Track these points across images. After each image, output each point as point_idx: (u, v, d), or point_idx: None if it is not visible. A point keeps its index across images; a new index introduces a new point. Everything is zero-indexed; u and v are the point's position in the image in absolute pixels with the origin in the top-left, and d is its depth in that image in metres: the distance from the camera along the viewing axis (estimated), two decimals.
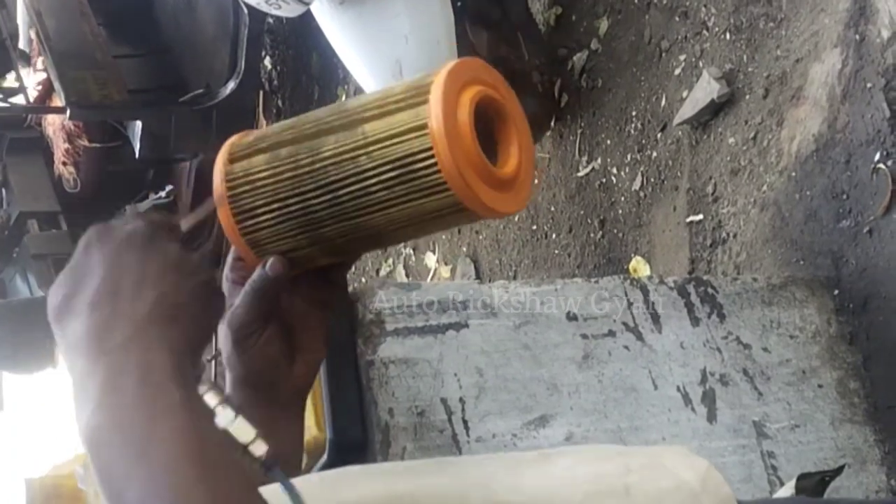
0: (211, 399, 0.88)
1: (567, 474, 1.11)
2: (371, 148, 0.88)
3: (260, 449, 0.86)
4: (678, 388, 2.15)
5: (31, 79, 5.53)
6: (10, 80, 5.82)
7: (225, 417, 0.87)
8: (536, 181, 3.78)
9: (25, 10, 4.94)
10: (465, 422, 1.98)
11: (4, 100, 6.07)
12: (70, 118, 4.78)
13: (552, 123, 3.67)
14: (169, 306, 0.84)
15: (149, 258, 0.86)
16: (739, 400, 2.19)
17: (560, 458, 1.09)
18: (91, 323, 0.82)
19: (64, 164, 5.57)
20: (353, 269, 4.20)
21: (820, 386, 2.27)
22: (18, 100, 5.84)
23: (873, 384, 2.30)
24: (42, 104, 5.43)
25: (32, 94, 5.47)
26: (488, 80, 0.95)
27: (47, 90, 5.35)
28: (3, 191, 5.87)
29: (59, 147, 5.54)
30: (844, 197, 2.43)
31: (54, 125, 5.59)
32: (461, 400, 1.99)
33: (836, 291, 2.41)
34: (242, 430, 0.87)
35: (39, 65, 5.45)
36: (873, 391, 2.30)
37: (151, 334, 0.83)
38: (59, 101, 4.74)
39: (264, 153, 0.94)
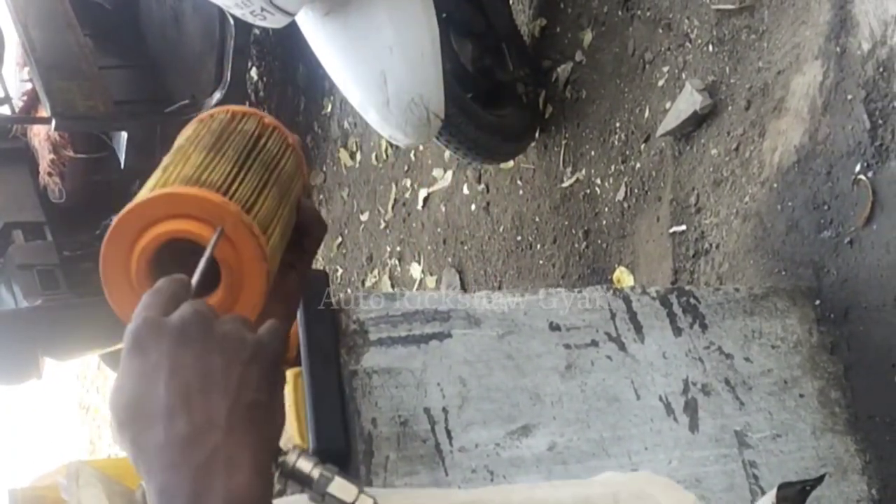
0: (305, 465, 0.88)
1: (552, 494, 1.13)
2: None
3: (367, 503, 0.87)
4: (660, 398, 2.16)
5: (17, 89, 5.52)
6: None
7: (324, 480, 0.87)
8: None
9: (11, 20, 4.93)
10: (448, 431, 1.98)
11: None
12: (56, 129, 4.76)
13: (536, 134, 3.69)
14: (246, 405, 0.83)
15: (210, 351, 0.83)
16: (721, 410, 2.19)
17: (545, 484, 1.11)
18: (172, 434, 0.80)
19: (49, 174, 5.56)
20: (338, 280, 4.20)
21: (801, 396, 2.28)
22: (4, 110, 5.82)
23: (854, 394, 2.31)
24: (27, 114, 5.41)
25: (18, 104, 5.46)
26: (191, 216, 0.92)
27: (33, 100, 5.34)
28: None
29: (45, 157, 5.53)
30: (825, 208, 2.44)
31: (40, 136, 5.57)
32: (444, 410, 1.99)
33: (818, 302, 2.43)
34: (345, 489, 0.87)
35: (25, 75, 5.45)
36: (854, 401, 2.31)
37: (236, 440, 0.81)
38: (44, 111, 4.72)
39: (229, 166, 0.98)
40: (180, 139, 1.04)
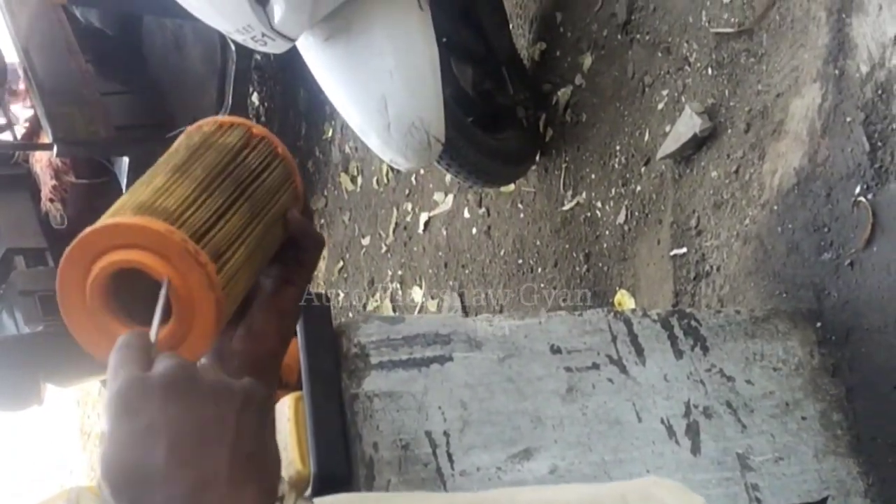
0: None
1: (559, 495, 1.13)
2: None
3: None
4: (662, 421, 2.15)
5: (19, 115, 5.54)
6: None
7: None
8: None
9: (13, 45, 4.96)
10: (449, 455, 1.98)
11: None
12: (57, 155, 4.78)
13: (537, 158, 3.70)
14: (244, 456, 0.82)
15: (201, 403, 0.82)
16: (723, 432, 2.19)
17: (551, 486, 1.12)
18: (173, 495, 0.79)
19: (51, 200, 5.57)
20: (339, 304, 4.20)
21: (803, 418, 2.27)
22: (6, 136, 5.84)
23: (856, 416, 2.31)
24: (29, 140, 5.43)
25: (20, 130, 5.47)
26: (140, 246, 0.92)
27: (34, 127, 5.36)
28: None
29: (46, 183, 5.54)
30: (826, 230, 2.45)
31: (41, 162, 5.59)
32: (445, 433, 1.99)
33: (819, 324, 2.42)
34: None
35: (27, 102, 5.47)
36: (856, 423, 2.31)
37: (236, 494, 0.80)
38: (46, 137, 4.74)
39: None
40: (165, 155, 1.05)
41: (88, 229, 0.90)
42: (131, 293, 0.93)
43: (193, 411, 0.81)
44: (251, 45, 2.74)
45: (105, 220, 0.91)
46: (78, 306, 0.92)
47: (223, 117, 1.09)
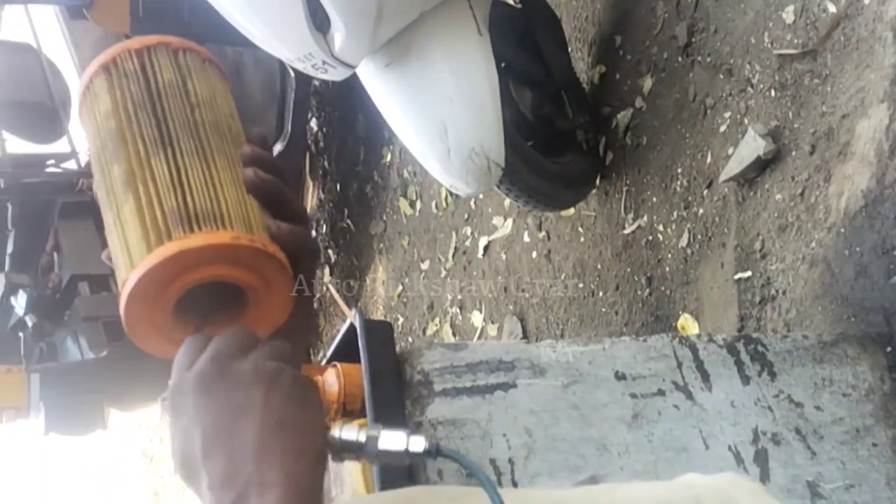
0: (350, 434, 0.92)
1: (635, 495, 1.11)
2: None
3: (419, 444, 0.91)
4: (730, 448, 2.12)
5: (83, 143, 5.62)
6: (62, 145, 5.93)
7: (372, 441, 0.91)
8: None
9: (78, 77, 5.03)
10: (514, 483, 1.96)
11: (57, 165, 6.18)
12: None
13: (597, 181, 3.68)
14: (274, 425, 0.86)
15: (230, 389, 0.87)
16: (792, 459, 2.15)
17: (625, 485, 1.11)
18: (212, 479, 0.85)
19: None
20: (399, 328, 4.20)
21: (875, 445, 2.23)
22: (70, 165, 5.93)
23: None
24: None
25: (84, 158, 5.55)
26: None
27: None
28: (55, 254, 5.95)
29: None
30: (895, 253, 2.40)
31: None
32: (510, 461, 1.98)
33: (889, 348, 2.38)
34: (394, 439, 0.91)
35: None
36: None
37: (267, 462, 0.84)
38: None
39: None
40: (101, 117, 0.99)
41: (161, 257, 0.89)
42: (193, 304, 0.96)
43: (222, 400, 0.87)
44: (311, 72, 2.76)
45: (169, 248, 0.90)
46: (147, 320, 0.94)
47: (125, 47, 1.02)
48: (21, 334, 6.15)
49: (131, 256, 0.90)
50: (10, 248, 6.13)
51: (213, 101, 1.01)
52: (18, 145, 6.04)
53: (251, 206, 0.95)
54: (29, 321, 5.84)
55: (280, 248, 0.94)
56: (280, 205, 0.98)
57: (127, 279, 0.90)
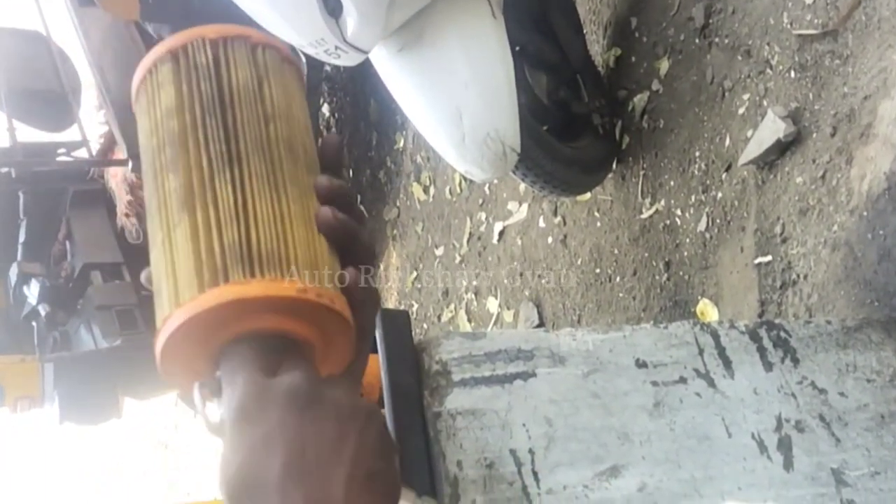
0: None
1: None
2: None
3: None
4: (753, 436, 2.09)
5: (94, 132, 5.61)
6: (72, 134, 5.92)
7: None
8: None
9: (87, 63, 5.01)
10: (535, 473, 1.93)
11: (68, 153, 6.17)
12: (132, 170, 4.83)
13: (614, 165, 3.64)
14: (364, 476, 0.78)
15: (323, 419, 0.78)
16: (816, 447, 2.12)
17: None
18: None
19: (126, 215, 5.64)
20: (414, 315, 4.19)
21: None
22: (81, 153, 5.92)
23: None
24: (104, 157, 5.50)
25: (95, 147, 5.54)
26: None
27: (110, 143, 5.42)
28: (67, 243, 5.96)
29: (122, 199, 5.61)
30: None
31: (117, 177, 5.66)
32: (531, 451, 1.95)
33: None
34: None
35: (101, 118, 5.53)
36: None
37: None
38: (121, 153, 4.79)
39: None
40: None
41: (214, 302, 0.78)
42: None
43: (314, 427, 0.77)
44: (324, 57, 2.72)
45: (225, 294, 0.78)
46: (183, 361, 0.83)
47: (196, 34, 0.88)
48: (34, 323, 6.15)
49: (178, 291, 0.79)
50: (22, 237, 6.14)
51: (289, 112, 0.88)
52: (29, 134, 6.03)
53: (320, 248, 0.84)
54: (42, 310, 5.85)
55: (346, 301, 0.84)
56: (351, 249, 0.88)
57: (170, 316, 0.79)
